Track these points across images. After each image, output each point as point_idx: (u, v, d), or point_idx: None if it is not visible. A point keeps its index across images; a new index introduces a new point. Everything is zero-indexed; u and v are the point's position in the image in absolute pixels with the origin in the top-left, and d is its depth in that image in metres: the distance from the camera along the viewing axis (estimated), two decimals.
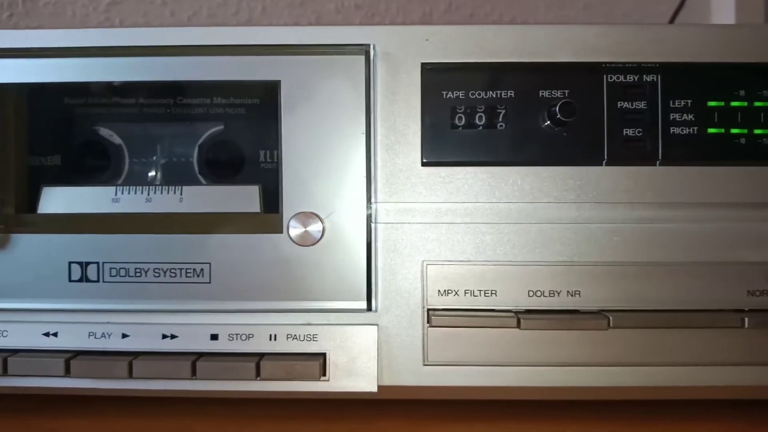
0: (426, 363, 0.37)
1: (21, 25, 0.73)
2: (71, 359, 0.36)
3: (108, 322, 0.37)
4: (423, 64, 0.36)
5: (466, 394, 0.37)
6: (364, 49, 0.36)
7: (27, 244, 0.37)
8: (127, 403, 0.40)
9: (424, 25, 0.36)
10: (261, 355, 0.36)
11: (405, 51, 0.36)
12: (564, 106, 0.35)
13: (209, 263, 0.36)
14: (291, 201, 0.36)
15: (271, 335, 0.37)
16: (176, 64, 0.37)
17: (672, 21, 0.77)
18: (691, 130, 0.37)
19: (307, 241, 0.36)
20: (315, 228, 0.36)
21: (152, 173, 0.39)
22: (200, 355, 0.36)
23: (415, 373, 0.37)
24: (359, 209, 0.36)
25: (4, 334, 0.37)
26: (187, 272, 0.36)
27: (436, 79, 0.37)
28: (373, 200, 0.37)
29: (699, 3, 0.80)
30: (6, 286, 0.37)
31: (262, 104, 0.39)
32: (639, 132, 0.37)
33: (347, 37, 0.36)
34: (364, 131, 0.36)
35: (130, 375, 0.36)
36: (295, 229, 0.36)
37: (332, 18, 0.79)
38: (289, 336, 0.37)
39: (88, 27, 0.76)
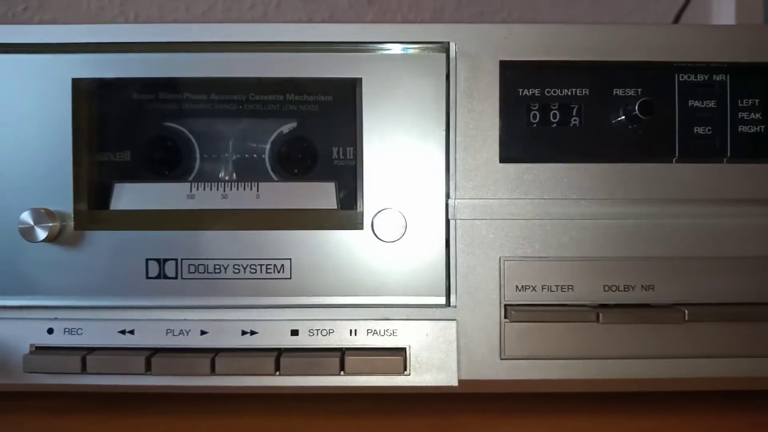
0: (503, 357, 0.37)
1: (35, 19, 0.72)
2: (151, 356, 0.36)
3: (186, 319, 0.37)
4: (502, 62, 0.37)
5: (543, 387, 0.38)
6: (444, 47, 0.37)
7: (101, 240, 0.37)
8: (187, 400, 0.39)
9: (502, 24, 0.36)
10: (342, 351, 0.36)
11: (484, 49, 0.37)
12: (643, 104, 0.36)
13: (290, 259, 0.36)
14: (371, 197, 0.37)
15: (351, 330, 0.37)
16: (254, 60, 0.37)
17: (676, 20, 0.78)
18: (758, 128, 0.38)
19: (389, 237, 0.36)
20: (397, 224, 0.36)
21: (224, 169, 0.39)
22: (281, 351, 0.36)
23: (492, 367, 0.37)
24: (438, 206, 0.37)
25: (79, 332, 0.37)
26: (267, 268, 0.36)
27: (515, 76, 0.37)
28: (451, 197, 0.37)
29: (700, 3, 0.82)
30: (80, 284, 0.37)
31: (335, 101, 0.39)
32: (709, 130, 0.38)
33: (427, 35, 0.37)
34: (444, 128, 0.37)
35: (213, 371, 0.36)
36: (378, 226, 0.36)
37: (346, 14, 0.79)
38: (369, 331, 0.37)
39: (106, 20, 0.75)
